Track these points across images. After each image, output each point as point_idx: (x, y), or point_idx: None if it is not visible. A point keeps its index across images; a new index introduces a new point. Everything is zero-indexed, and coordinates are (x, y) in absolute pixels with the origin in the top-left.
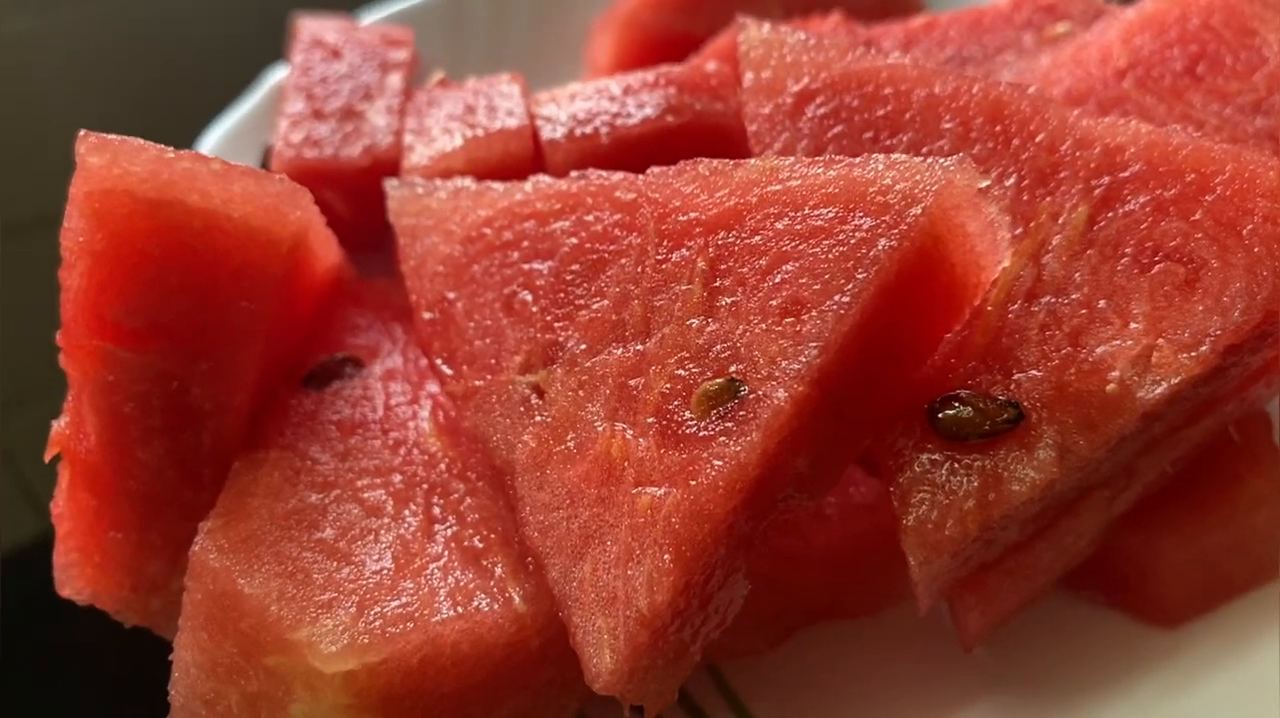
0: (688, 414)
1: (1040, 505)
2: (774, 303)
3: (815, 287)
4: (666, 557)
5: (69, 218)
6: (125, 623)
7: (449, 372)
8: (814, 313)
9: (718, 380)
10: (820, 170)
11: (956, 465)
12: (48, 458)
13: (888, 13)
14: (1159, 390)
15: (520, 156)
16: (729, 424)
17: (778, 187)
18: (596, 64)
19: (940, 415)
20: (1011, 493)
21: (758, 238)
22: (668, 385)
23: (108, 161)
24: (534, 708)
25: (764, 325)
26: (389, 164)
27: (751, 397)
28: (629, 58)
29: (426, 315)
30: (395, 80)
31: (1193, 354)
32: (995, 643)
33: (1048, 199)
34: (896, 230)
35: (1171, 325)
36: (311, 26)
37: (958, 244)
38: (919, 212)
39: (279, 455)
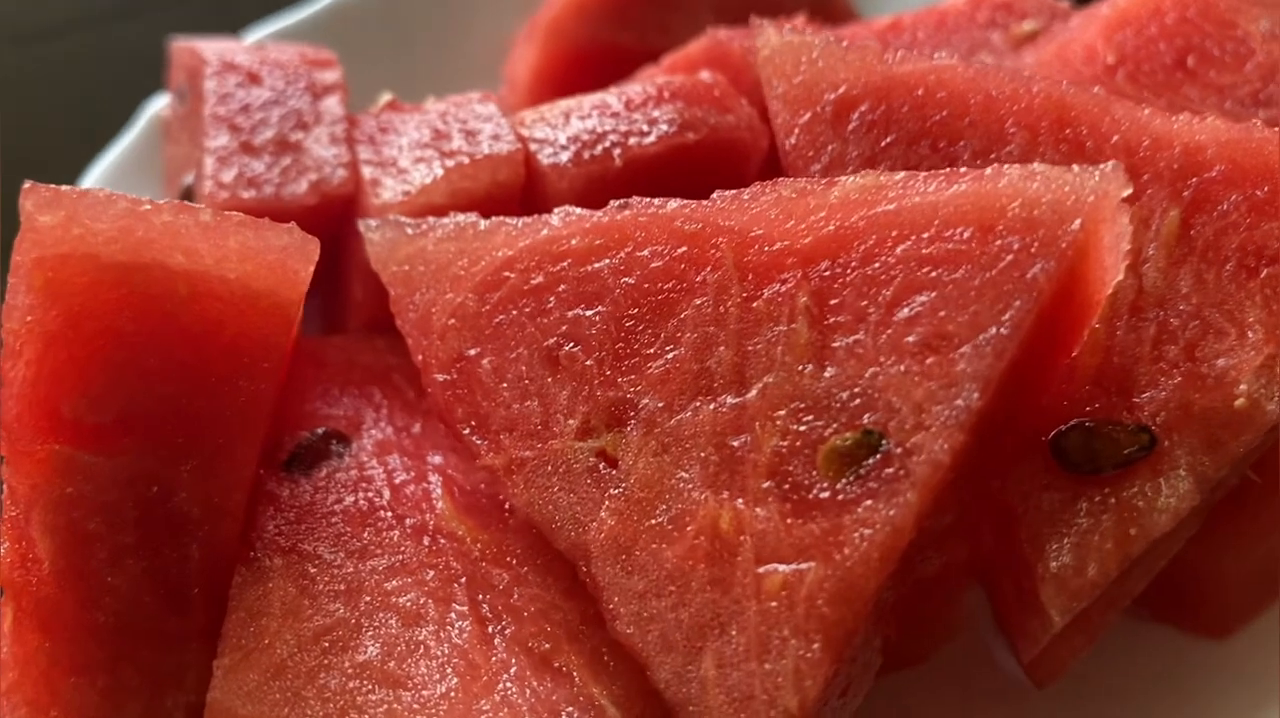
0: (815, 475)
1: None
2: (910, 339)
3: (962, 319)
4: (816, 645)
5: (12, 292)
6: None
7: (481, 442)
8: (968, 349)
9: (849, 434)
10: (941, 186)
11: (1089, 503)
12: None
13: (817, 17)
14: None
15: (510, 185)
16: (873, 485)
17: (890, 206)
18: (515, 78)
19: (1067, 448)
20: (1154, 524)
21: (875, 266)
22: (782, 443)
23: (63, 219)
24: None
25: (901, 367)
26: (341, 201)
27: (899, 451)
28: (553, 71)
29: (440, 377)
30: (333, 105)
31: None
32: None
33: (1135, 204)
34: (1055, 249)
35: None
36: (212, 50)
37: (1096, 259)
38: (1076, 227)
39: (285, 562)
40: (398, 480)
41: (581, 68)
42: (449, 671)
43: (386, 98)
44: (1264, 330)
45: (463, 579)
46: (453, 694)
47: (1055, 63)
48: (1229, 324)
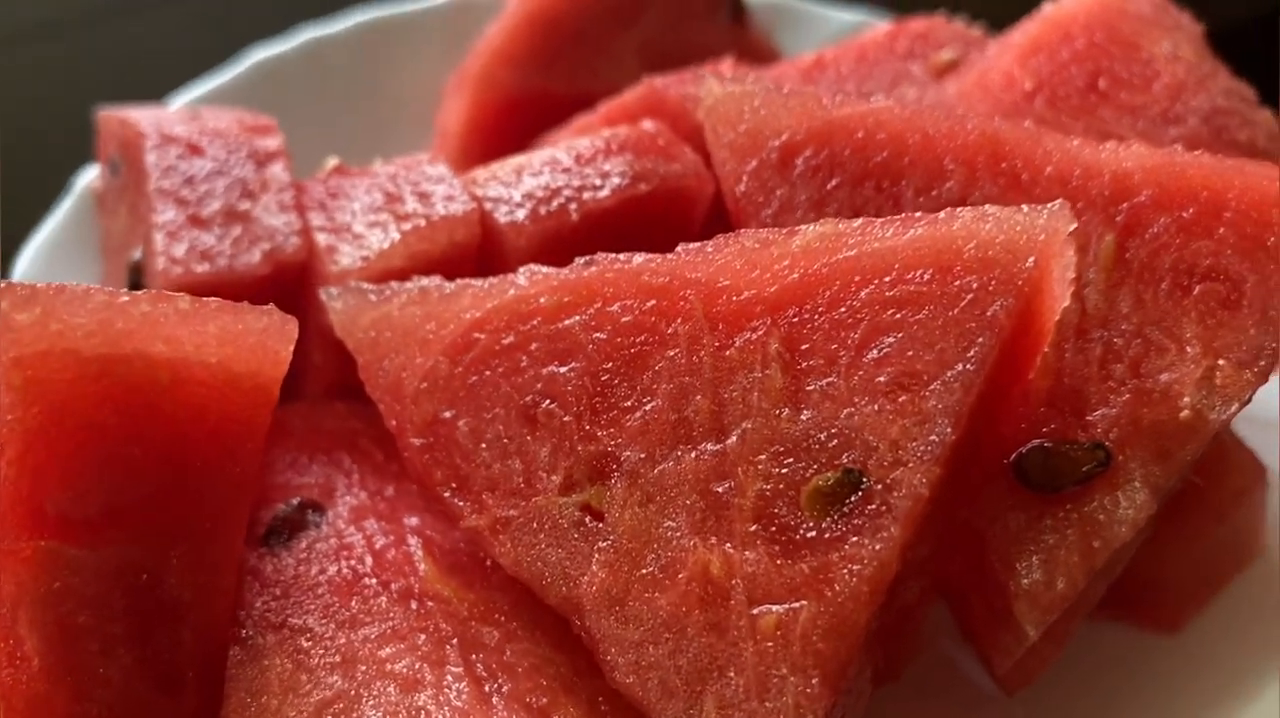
0: (800, 515)
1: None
2: (881, 379)
3: (929, 357)
4: (815, 680)
5: None
6: None
7: (463, 503)
8: (937, 385)
9: (830, 474)
10: (898, 231)
11: (1053, 520)
12: None
13: (743, 58)
14: (1230, 410)
15: (466, 246)
16: (857, 521)
17: (851, 253)
18: (447, 129)
19: (1028, 470)
20: (1116, 535)
21: (841, 311)
22: (766, 486)
23: (40, 316)
24: None
25: (875, 406)
26: (294, 268)
27: (879, 487)
28: (484, 120)
29: (417, 442)
30: (278, 172)
31: (1255, 369)
32: None
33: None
34: (1012, 286)
35: (1225, 344)
36: (147, 121)
37: (1047, 291)
38: (1030, 265)
39: (278, 638)
40: (378, 546)
41: (512, 115)
42: None
43: (333, 162)
44: (1201, 344)
45: (454, 641)
46: None
47: (976, 91)
48: (1169, 340)
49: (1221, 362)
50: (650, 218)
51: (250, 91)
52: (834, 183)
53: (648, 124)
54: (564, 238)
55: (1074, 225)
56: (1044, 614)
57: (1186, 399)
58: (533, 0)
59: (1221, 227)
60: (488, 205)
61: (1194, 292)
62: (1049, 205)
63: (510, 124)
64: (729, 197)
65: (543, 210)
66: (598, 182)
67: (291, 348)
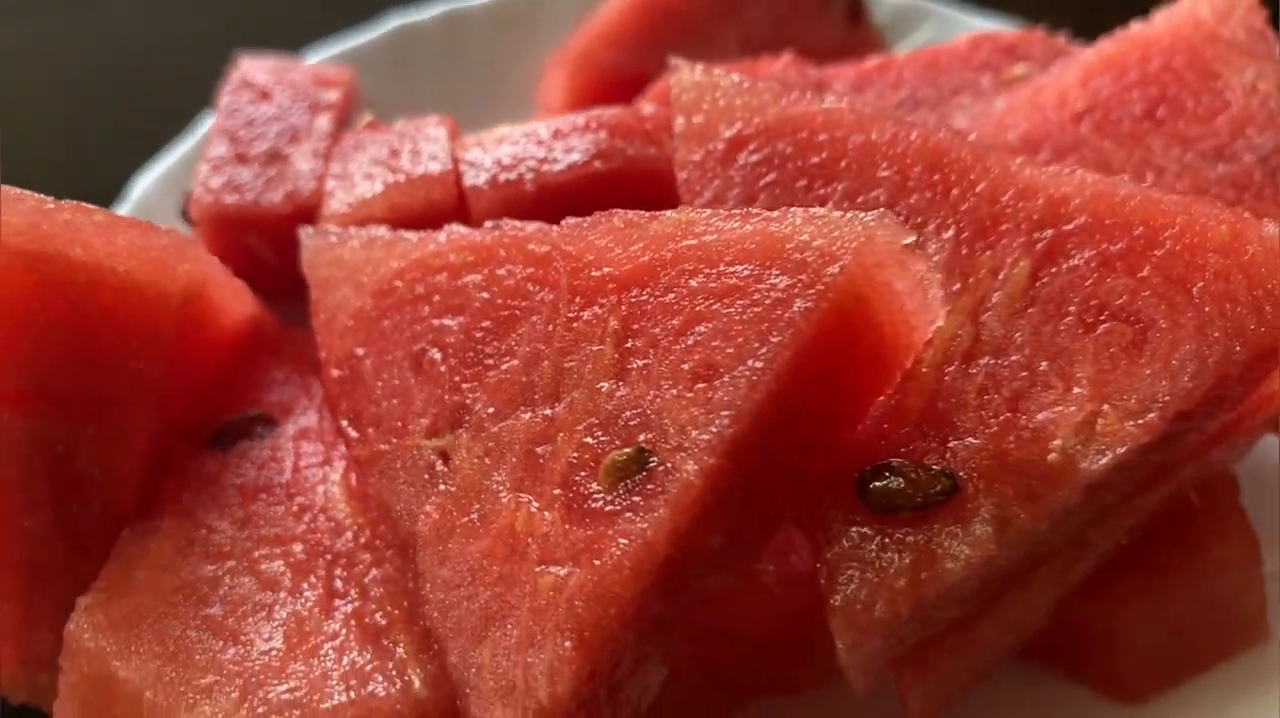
0: (595, 486)
1: (980, 582)
2: (686, 367)
3: (729, 350)
4: (568, 643)
5: None
6: (12, 700)
7: (355, 434)
8: (726, 379)
9: (626, 450)
10: (737, 225)
11: (888, 541)
12: None
13: (846, 54)
14: (1104, 460)
15: (444, 204)
16: (636, 499)
17: (693, 241)
18: (549, 105)
19: (871, 486)
20: (946, 571)
21: (671, 296)
22: (575, 455)
23: None
24: None
25: (675, 391)
26: (312, 211)
27: (660, 469)
28: (582, 98)
29: (335, 373)
30: (323, 122)
31: (1140, 421)
32: (951, 713)
33: (988, 253)
34: (813, 291)
35: (1117, 390)
36: (245, 67)
37: (884, 304)
38: (837, 270)
39: (173, 524)
40: (303, 464)
41: (609, 95)
42: (279, 633)
43: (367, 118)
44: (1090, 387)
45: (327, 556)
46: (273, 653)
47: (1024, 108)
48: (1057, 378)
49: (1106, 408)
50: (617, 196)
51: (384, 55)
52: (768, 179)
53: (648, 107)
54: (522, 206)
55: (909, 238)
56: (859, 635)
57: (1058, 442)
58: None
59: (1147, 265)
60: (462, 168)
61: (1097, 330)
62: (873, 213)
63: (607, 103)
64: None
65: (502, 178)
66: (559, 156)
67: (189, 267)
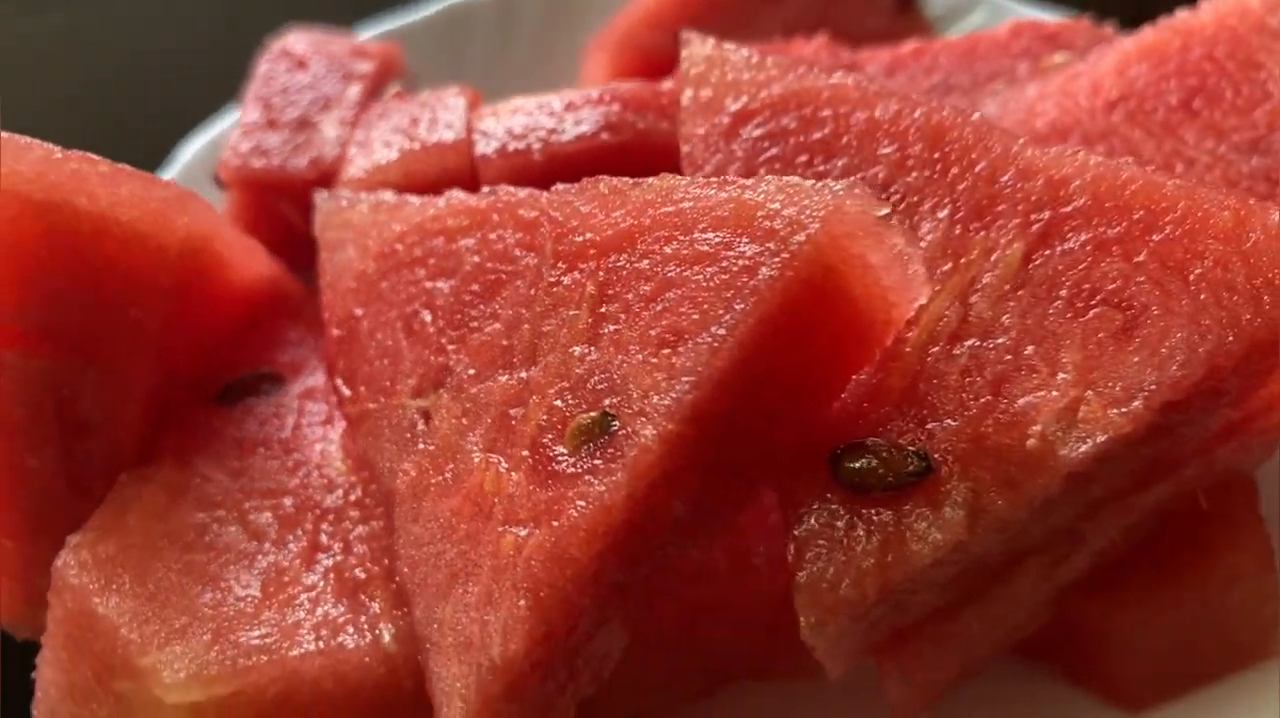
0: (560, 449)
1: (955, 569)
2: (654, 332)
3: (694, 316)
4: (523, 603)
5: None
6: (16, 637)
7: (347, 392)
8: (689, 345)
9: (591, 414)
10: (713, 192)
11: (857, 520)
12: None
13: (895, 37)
14: (1084, 448)
15: (458, 172)
16: (597, 462)
17: (671, 208)
18: (589, 83)
19: (843, 464)
20: (913, 554)
21: (646, 262)
22: (545, 417)
23: None
24: None
25: (641, 356)
26: (335, 177)
27: (621, 433)
28: (622, 77)
29: (335, 333)
30: (353, 92)
31: (1123, 410)
32: (941, 712)
33: (982, 234)
34: (779, 259)
35: (1103, 377)
36: (289, 38)
37: (858, 277)
38: (803, 239)
39: (170, 473)
40: (305, 422)
41: (651, 76)
42: (258, 581)
43: (395, 89)
44: (1075, 373)
45: (317, 511)
46: (248, 600)
47: (1057, 94)
48: (1042, 363)
49: (1090, 394)
50: (627, 169)
51: (436, 33)
52: (769, 153)
53: (667, 83)
54: (530, 175)
55: (884, 210)
56: (824, 614)
57: (1038, 427)
58: None
59: (1145, 250)
60: (475, 137)
61: (1088, 315)
62: (843, 182)
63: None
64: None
65: (511, 147)
66: (568, 127)
67: (188, 219)
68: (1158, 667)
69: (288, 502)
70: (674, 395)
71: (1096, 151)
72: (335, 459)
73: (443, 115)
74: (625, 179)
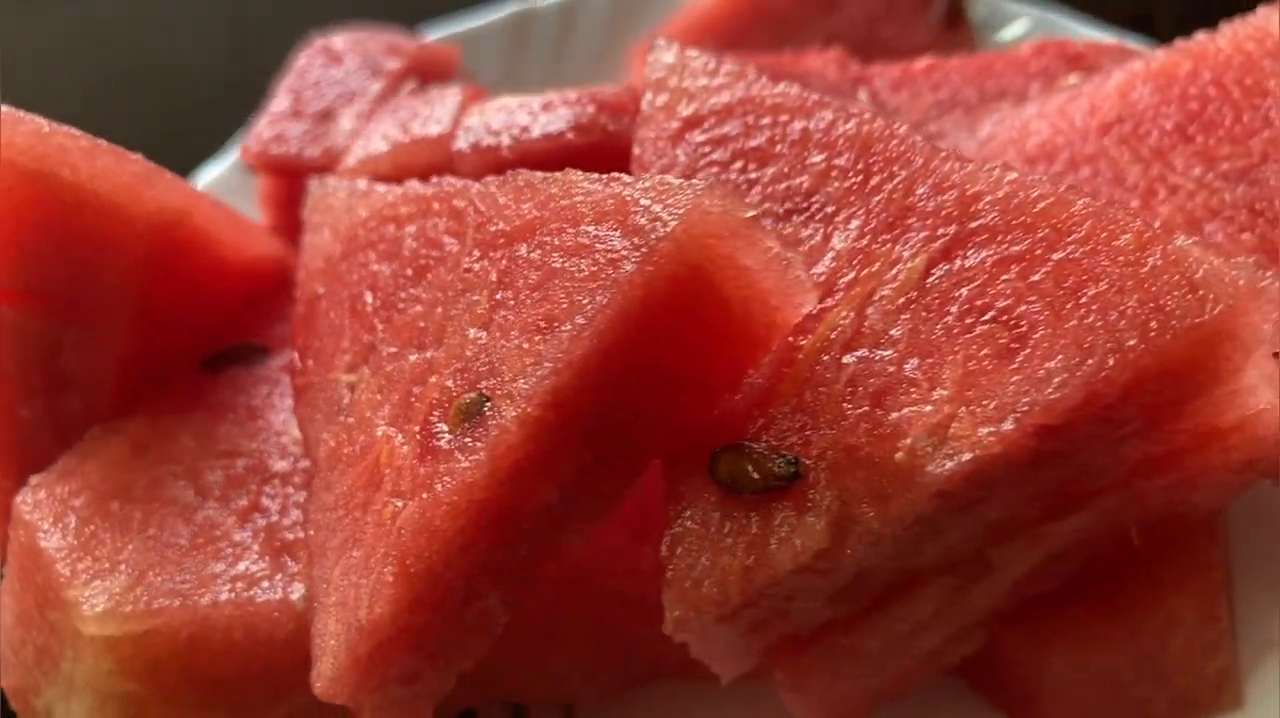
0: (443, 427)
1: (832, 578)
2: (532, 319)
3: (565, 305)
4: (389, 570)
5: None
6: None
7: (299, 365)
8: (555, 332)
9: (470, 395)
10: (601, 188)
11: (728, 521)
12: None
13: (942, 52)
14: (949, 466)
15: (441, 166)
16: (467, 440)
17: (567, 202)
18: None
19: (720, 464)
20: (774, 559)
21: (538, 252)
22: (436, 396)
23: None
24: (321, 709)
25: (518, 342)
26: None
27: (490, 414)
28: None
29: (300, 310)
30: (375, 87)
31: (993, 429)
32: None
33: (890, 245)
34: (639, 254)
35: (979, 395)
36: (335, 35)
37: (729, 278)
38: (662, 235)
39: (139, 428)
40: (278, 392)
41: None
42: (188, 535)
43: (411, 86)
44: (953, 389)
45: (264, 474)
46: (175, 547)
47: (1054, 115)
48: (924, 377)
49: (963, 411)
50: (594, 167)
51: (500, 37)
52: (708, 158)
53: None
54: (501, 170)
55: (750, 212)
56: (688, 610)
57: (908, 441)
58: None
59: (1043, 269)
60: (458, 133)
61: (975, 331)
62: (703, 182)
63: None
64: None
65: (484, 143)
66: (540, 126)
67: (156, 194)
68: (1088, 710)
69: (240, 464)
70: (534, 380)
71: (1080, 174)
72: (293, 428)
73: (435, 111)
74: (541, 173)
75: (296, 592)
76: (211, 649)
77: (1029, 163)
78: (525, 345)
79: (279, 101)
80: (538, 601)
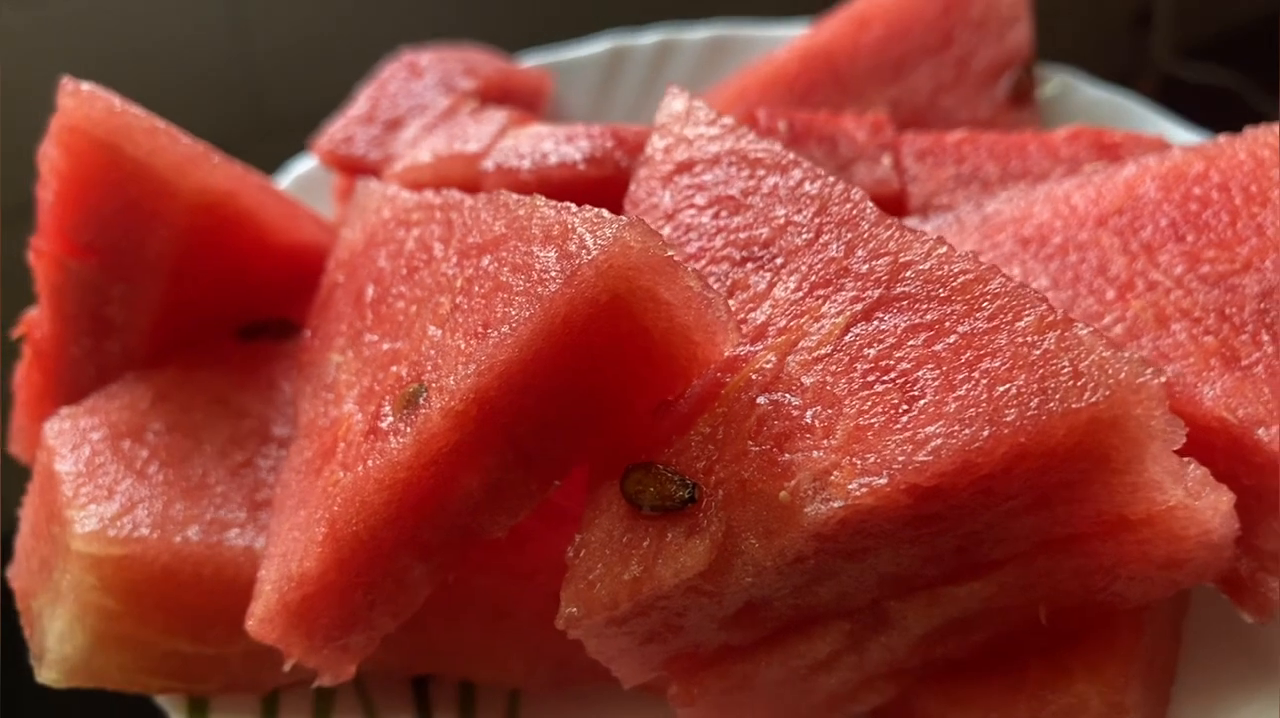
0: (388, 411)
1: (721, 602)
2: (473, 324)
3: (498, 314)
4: (321, 529)
5: (47, 144)
6: None
7: (307, 343)
8: (483, 338)
9: (414, 385)
10: (553, 213)
11: (628, 534)
12: (15, 336)
13: (1004, 128)
14: (823, 511)
15: (474, 182)
16: (400, 425)
17: (527, 223)
18: None
19: (629, 479)
20: (658, 574)
21: (494, 265)
22: (392, 383)
23: (75, 105)
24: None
25: (458, 342)
26: None
27: (421, 405)
28: None
29: (321, 295)
30: (442, 101)
31: (866, 482)
32: None
33: (821, 301)
34: (561, 276)
35: (863, 449)
36: (423, 52)
37: (648, 309)
38: (584, 261)
39: (165, 379)
40: (296, 366)
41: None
42: (181, 478)
43: (471, 106)
44: (842, 439)
45: (263, 435)
46: (165, 487)
47: (1059, 199)
48: (820, 426)
49: (846, 461)
50: (603, 200)
51: (595, 69)
52: (690, 202)
53: None
54: (521, 191)
55: (669, 252)
56: (581, 607)
57: (794, 482)
58: (818, 37)
59: (947, 339)
60: (491, 151)
61: (873, 390)
62: (624, 218)
63: None
64: None
65: (507, 165)
66: (558, 154)
67: (200, 174)
68: None
69: (246, 424)
70: (461, 377)
71: (1067, 259)
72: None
73: (479, 130)
74: (521, 196)
75: (262, 542)
76: (181, 582)
77: (1022, 244)
78: (462, 345)
79: (358, 105)
80: (490, 581)
